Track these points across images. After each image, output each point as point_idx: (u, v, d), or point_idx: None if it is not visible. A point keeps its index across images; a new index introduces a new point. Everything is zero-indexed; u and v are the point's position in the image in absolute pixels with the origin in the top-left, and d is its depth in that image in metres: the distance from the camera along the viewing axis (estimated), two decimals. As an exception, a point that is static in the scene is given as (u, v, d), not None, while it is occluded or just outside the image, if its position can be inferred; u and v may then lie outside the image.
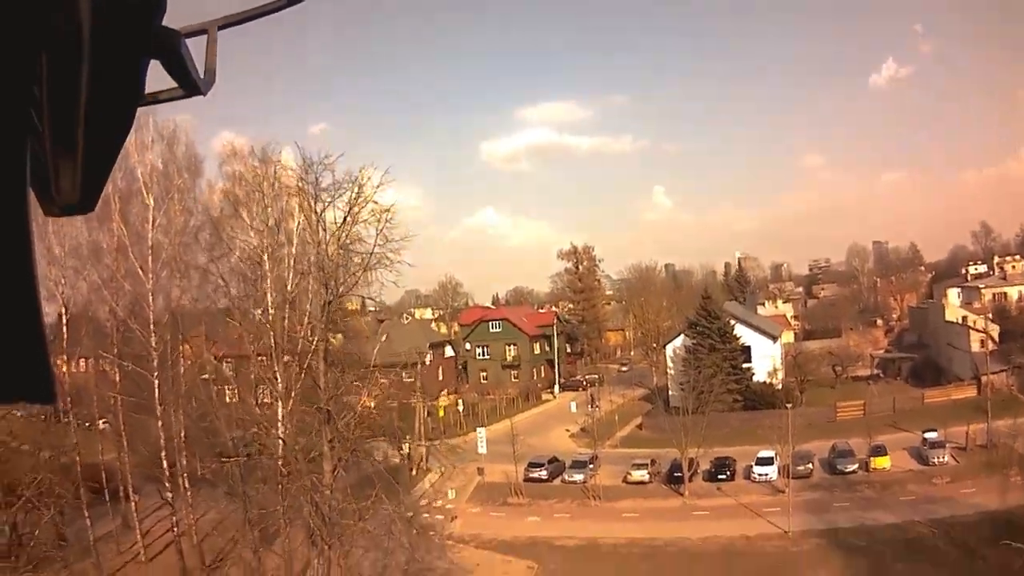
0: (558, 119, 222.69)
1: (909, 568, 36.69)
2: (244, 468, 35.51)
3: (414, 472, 58.14)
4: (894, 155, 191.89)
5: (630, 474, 56.17)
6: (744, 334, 76.95)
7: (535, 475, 57.06)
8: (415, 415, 64.69)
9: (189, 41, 1.25)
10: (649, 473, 55.76)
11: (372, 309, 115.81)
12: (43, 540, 26.92)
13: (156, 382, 41.17)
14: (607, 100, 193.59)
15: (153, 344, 41.01)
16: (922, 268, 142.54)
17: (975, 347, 73.54)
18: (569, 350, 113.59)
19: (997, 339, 76.11)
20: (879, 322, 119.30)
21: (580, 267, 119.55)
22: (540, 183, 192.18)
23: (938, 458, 51.53)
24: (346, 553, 28.43)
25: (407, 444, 61.23)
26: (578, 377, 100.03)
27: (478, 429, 61.30)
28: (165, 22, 1.16)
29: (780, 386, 74.82)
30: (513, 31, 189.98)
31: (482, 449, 60.19)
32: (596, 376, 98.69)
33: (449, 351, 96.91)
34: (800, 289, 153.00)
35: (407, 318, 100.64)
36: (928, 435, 54.31)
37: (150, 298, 41.21)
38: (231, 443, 39.80)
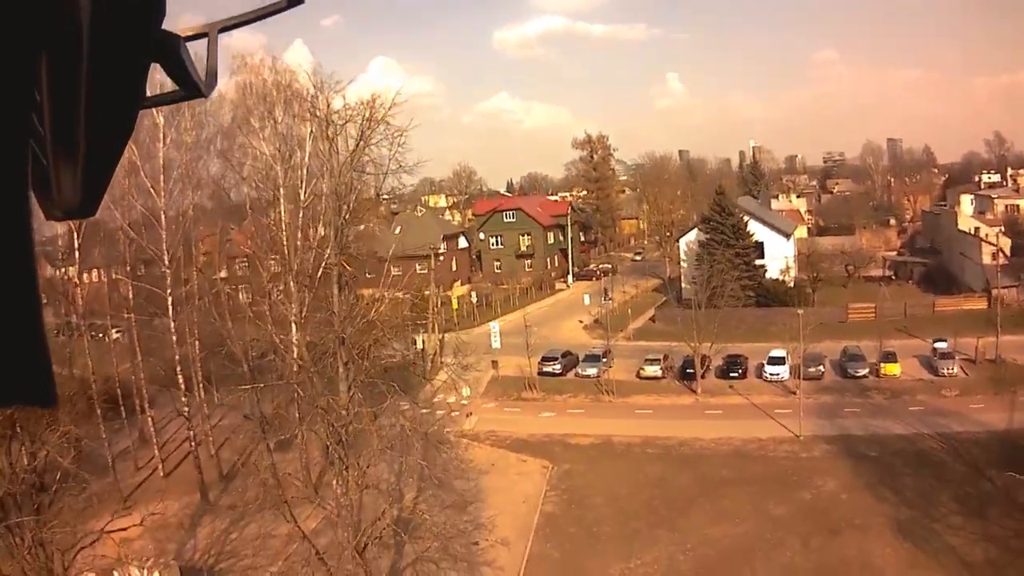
0: (572, 6, 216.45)
1: (916, 481, 37.62)
2: (259, 391, 36.01)
3: (429, 367, 59.23)
4: (910, 54, 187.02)
5: (643, 369, 56.74)
6: (757, 230, 76.79)
7: (549, 369, 57.81)
8: (429, 307, 65.30)
9: (190, 44, 1.26)
10: (662, 369, 56.33)
11: (386, 198, 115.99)
12: (60, 459, 27.25)
13: (170, 299, 41.49)
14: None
15: (166, 262, 41.16)
16: (935, 170, 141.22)
17: (987, 259, 73.50)
18: (583, 239, 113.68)
19: (1009, 253, 75.97)
20: (892, 222, 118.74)
21: (595, 156, 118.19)
22: (554, 69, 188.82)
23: (947, 369, 51.96)
24: (359, 456, 29.01)
25: (420, 338, 62.69)
26: (592, 266, 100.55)
27: (491, 323, 62.00)
28: (165, 25, 1.16)
29: (792, 284, 75.23)
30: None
31: (496, 344, 61.10)
32: (609, 266, 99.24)
33: (463, 242, 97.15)
34: (814, 183, 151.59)
35: (421, 210, 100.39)
36: (938, 344, 54.67)
37: (163, 217, 41.04)
38: (246, 368, 40.43)
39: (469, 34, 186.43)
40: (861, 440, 43.42)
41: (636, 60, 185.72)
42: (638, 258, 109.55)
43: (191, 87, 1.25)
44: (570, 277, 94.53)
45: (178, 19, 1.17)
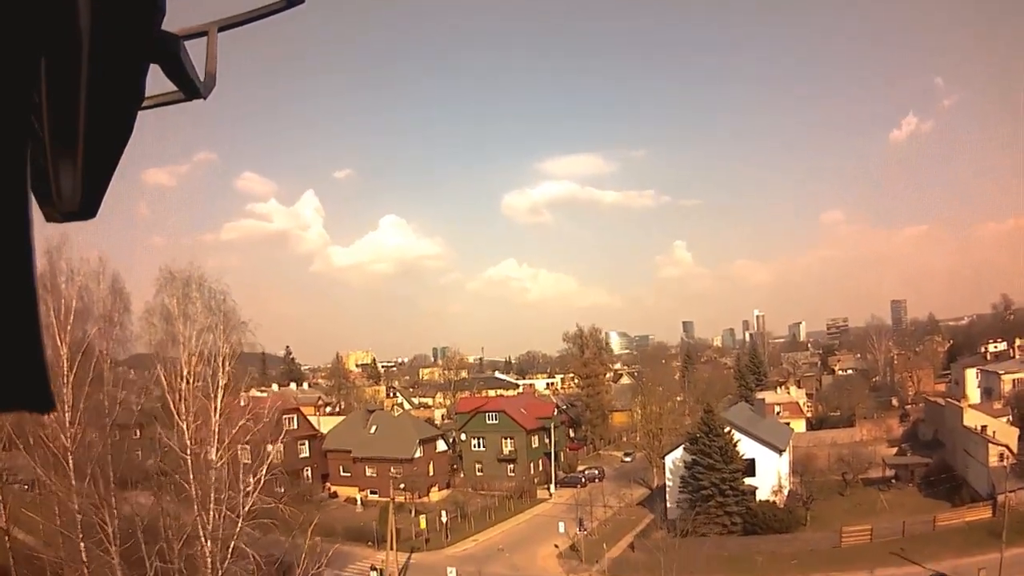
0: (582, 172, 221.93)
1: None
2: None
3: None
4: (914, 211, 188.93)
5: None
6: (748, 447, 72.47)
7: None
8: (388, 524, 60.88)
9: (189, 44, 1.27)
10: None
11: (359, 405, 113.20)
12: None
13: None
14: (631, 155, 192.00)
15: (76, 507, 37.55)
16: (939, 339, 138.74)
17: (992, 460, 68.81)
18: (572, 436, 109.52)
19: (1016, 447, 71.26)
20: (894, 402, 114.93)
21: (585, 351, 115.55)
22: (562, 236, 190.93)
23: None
24: None
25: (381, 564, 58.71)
26: (578, 471, 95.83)
27: (448, 570, 56.94)
28: (164, 23, 1.16)
29: (784, 503, 70.43)
30: (540, 85, 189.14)
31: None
32: (596, 471, 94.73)
33: (441, 445, 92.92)
34: (816, 361, 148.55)
35: (398, 410, 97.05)
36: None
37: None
38: None
39: (480, 197, 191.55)
40: None
41: (644, 227, 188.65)
42: (628, 459, 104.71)
43: (190, 89, 1.27)
44: (552, 486, 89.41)
45: (176, 17, 1.22)
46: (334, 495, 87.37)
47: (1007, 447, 68.74)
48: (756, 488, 70.24)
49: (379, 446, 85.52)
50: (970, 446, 73.66)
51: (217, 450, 36.67)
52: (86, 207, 1.14)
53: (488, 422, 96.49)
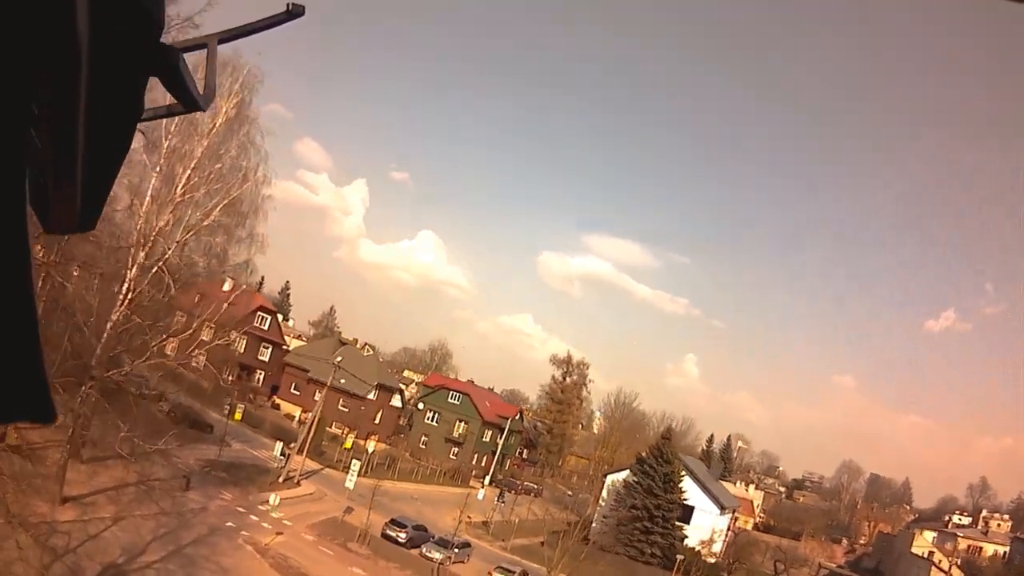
0: (623, 258, 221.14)
1: None
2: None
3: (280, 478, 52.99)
4: (924, 400, 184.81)
5: (491, 575, 49.65)
6: (692, 494, 69.83)
7: (392, 534, 50.59)
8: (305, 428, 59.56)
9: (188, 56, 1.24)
10: None
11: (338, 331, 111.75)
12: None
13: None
14: (676, 259, 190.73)
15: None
16: (907, 507, 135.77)
17: None
18: (524, 455, 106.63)
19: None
20: (844, 542, 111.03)
21: (568, 378, 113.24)
22: (585, 313, 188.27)
23: None
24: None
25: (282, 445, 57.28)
26: (516, 480, 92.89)
27: (352, 460, 54.80)
28: (164, 35, 1.14)
29: (711, 560, 67.36)
30: (606, 160, 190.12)
31: (349, 483, 54.06)
32: (535, 487, 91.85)
33: (396, 401, 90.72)
34: (782, 489, 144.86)
35: (369, 350, 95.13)
36: None
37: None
38: None
39: (519, 246, 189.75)
40: None
41: (665, 332, 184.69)
42: (571, 494, 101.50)
43: (189, 101, 1.24)
44: (487, 478, 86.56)
45: (176, 29, 1.21)
46: (276, 407, 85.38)
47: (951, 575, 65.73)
48: (686, 536, 67.48)
49: (337, 376, 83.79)
50: (912, 572, 70.45)
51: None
52: (85, 219, 1.13)
53: (449, 401, 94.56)
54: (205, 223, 32.13)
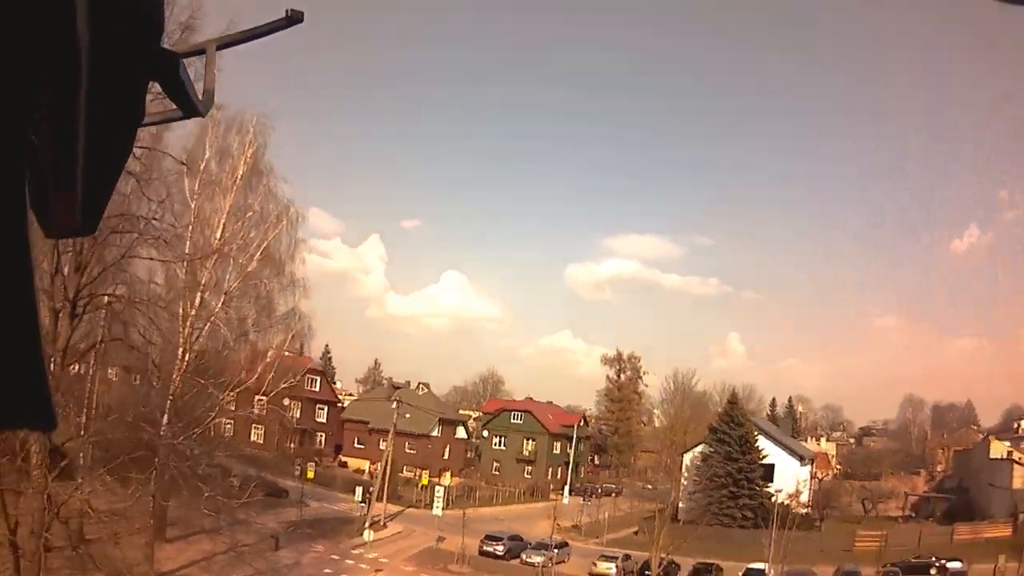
0: (648, 253, 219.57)
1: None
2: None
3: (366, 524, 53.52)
4: (969, 321, 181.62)
5: (595, 564, 50.48)
6: (770, 452, 69.50)
7: (490, 549, 51.60)
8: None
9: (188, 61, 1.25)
10: (617, 567, 49.81)
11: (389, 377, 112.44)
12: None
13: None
14: (698, 242, 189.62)
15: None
16: (975, 427, 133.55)
17: (1017, 483, 64.95)
18: (596, 461, 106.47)
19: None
20: (923, 472, 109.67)
21: (622, 376, 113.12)
22: (621, 315, 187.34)
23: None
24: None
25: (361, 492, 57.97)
26: (596, 485, 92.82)
27: (436, 488, 55.33)
28: (164, 40, 1.14)
29: (803, 511, 66.97)
30: (610, 160, 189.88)
31: (437, 510, 54.62)
32: (614, 487, 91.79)
33: (461, 432, 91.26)
34: (852, 440, 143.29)
35: (423, 388, 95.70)
36: (951, 564, 47.47)
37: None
38: None
39: (543, 266, 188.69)
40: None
41: (702, 315, 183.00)
42: (650, 487, 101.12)
43: (189, 107, 1.24)
44: (567, 489, 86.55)
45: (176, 35, 1.21)
46: (343, 464, 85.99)
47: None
48: (771, 494, 67.19)
49: (400, 414, 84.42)
50: (995, 477, 69.84)
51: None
52: (86, 223, 1.11)
53: (512, 421, 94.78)
54: (248, 269, 33.16)
